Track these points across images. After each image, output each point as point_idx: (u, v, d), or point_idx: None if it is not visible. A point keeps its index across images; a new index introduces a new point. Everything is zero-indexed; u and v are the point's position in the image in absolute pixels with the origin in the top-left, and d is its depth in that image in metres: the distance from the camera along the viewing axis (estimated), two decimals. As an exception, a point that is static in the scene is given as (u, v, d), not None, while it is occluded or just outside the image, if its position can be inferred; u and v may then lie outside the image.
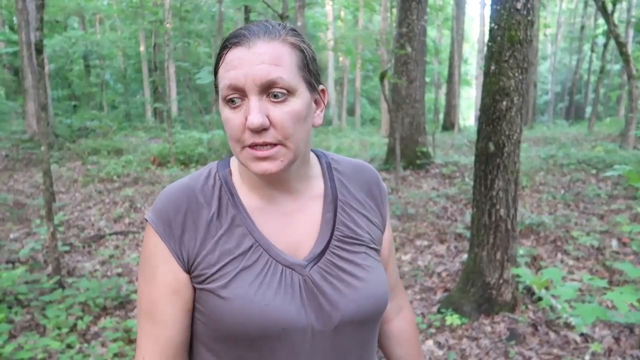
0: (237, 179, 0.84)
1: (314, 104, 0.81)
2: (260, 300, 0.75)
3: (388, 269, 0.99)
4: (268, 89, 0.73)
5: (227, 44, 0.75)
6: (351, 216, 0.87)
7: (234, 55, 0.73)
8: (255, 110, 0.72)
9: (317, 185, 0.88)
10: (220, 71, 0.75)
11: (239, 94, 0.73)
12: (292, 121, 0.74)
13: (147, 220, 0.81)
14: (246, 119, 0.73)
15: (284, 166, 0.76)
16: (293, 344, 0.78)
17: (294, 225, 0.84)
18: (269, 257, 0.79)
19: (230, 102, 0.74)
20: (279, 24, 0.78)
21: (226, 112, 0.75)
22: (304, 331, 0.78)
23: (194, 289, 0.80)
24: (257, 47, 0.73)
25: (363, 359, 0.87)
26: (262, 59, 0.72)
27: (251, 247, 0.79)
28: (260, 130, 0.72)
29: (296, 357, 0.79)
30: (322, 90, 0.83)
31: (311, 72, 0.78)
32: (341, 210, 0.87)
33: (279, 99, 0.73)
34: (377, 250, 0.90)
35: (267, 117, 0.73)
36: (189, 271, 0.79)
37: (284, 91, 0.73)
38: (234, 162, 0.87)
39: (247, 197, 0.83)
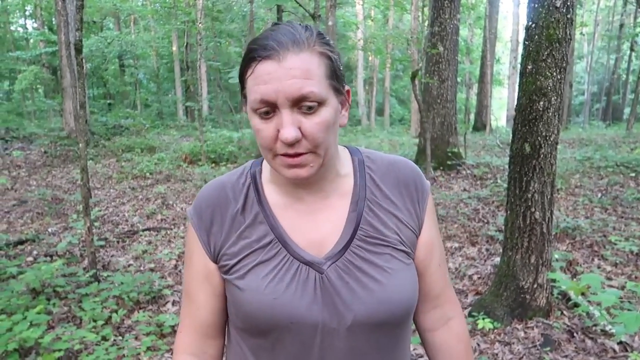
0: (266, 178, 0.88)
1: (339, 106, 0.82)
2: (269, 293, 0.79)
3: (427, 275, 0.93)
4: (299, 103, 0.74)
5: (256, 56, 0.74)
6: (378, 215, 0.86)
7: (264, 70, 0.73)
8: (289, 125, 0.73)
9: (346, 183, 0.88)
10: (249, 82, 0.75)
11: (270, 107, 0.74)
12: (323, 130, 0.76)
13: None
14: (278, 131, 0.74)
15: (314, 171, 0.79)
16: (303, 338, 0.80)
17: (318, 223, 0.85)
18: (287, 253, 0.82)
19: (261, 113, 0.75)
20: (306, 29, 0.77)
21: (256, 121, 0.76)
22: (315, 327, 0.79)
23: (222, 277, 0.87)
24: (287, 62, 0.73)
25: (387, 355, 0.85)
26: (292, 73, 0.72)
27: (270, 242, 0.82)
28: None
29: (307, 352, 0.80)
30: (347, 91, 0.83)
31: (338, 78, 0.79)
32: (367, 209, 0.86)
33: (311, 111, 0.75)
34: (406, 253, 0.86)
35: (299, 128, 0.74)
36: (216, 261, 0.86)
37: (315, 104, 0.74)
38: (265, 161, 0.89)
39: (274, 194, 0.86)
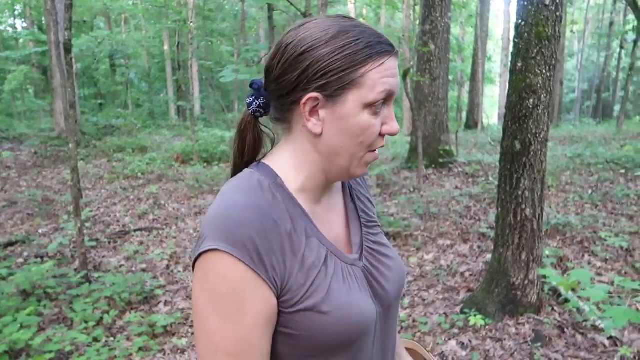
0: (293, 187, 0.80)
1: None
2: (356, 304, 0.77)
3: None
4: None
5: (386, 51, 0.75)
6: (363, 201, 0.94)
7: (392, 64, 0.76)
8: (395, 118, 0.78)
9: None
10: (375, 75, 0.74)
11: (385, 101, 0.77)
12: None
13: (215, 251, 0.68)
14: (381, 125, 0.78)
15: None
16: (371, 333, 0.82)
17: (332, 221, 0.86)
18: (339, 260, 0.80)
19: (375, 107, 0.75)
20: None
21: (368, 118, 0.75)
22: (376, 319, 0.82)
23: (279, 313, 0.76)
24: (397, 59, 0.79)
25: (396, 326, 0.94)
26: (398, 71, 0.79)
27: (326, 255, 0.78)
28: None
29: (371, 344, 0.83)
30: None
31: None
32: (357, 199, 0.93)
33: None
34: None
35: None
36: (279, 296, 0.73)
37: None
38: (280, 169, 0.81)
39: (305, 203, 0.81)
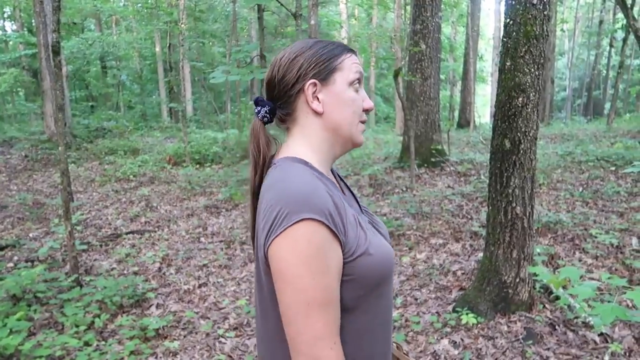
0: (317, 165, 1.01)
1: None
2: (386, 246, 1.00)
3: None
4: None
5: (350, 49, 1.04)
6: (347, 182, 1.19)
7: (355, 58, 1.04)
8: (368, 97, 1.06)
9: None
10: (348, 62, 1.02)
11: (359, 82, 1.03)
12: None
13: (302, 221, 0.85)
14: (362, 101, 1.04)
15: None
16: (393, 271, 1.05)
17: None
18: (360, 217, 1.00)
19: (355, 86, 1.01)
20: None
21: (353, 93, 1.02)
22: None
23: None
24: None
25: None
26: None
27: (356, 215, 0.98)
28: None
29: (392, 279, 1.05)
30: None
31: None
32: (344, 179, 1.19)
33: None
34: None
35: None
36: (342, 250, 0.92)
37: None
38: (305, 155, 1.01)
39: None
